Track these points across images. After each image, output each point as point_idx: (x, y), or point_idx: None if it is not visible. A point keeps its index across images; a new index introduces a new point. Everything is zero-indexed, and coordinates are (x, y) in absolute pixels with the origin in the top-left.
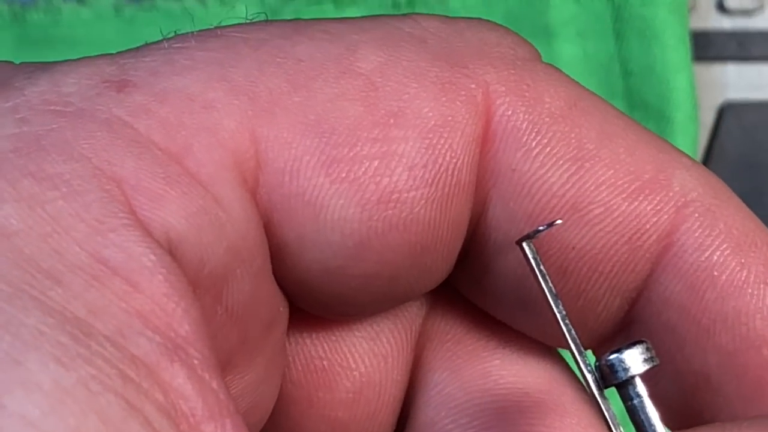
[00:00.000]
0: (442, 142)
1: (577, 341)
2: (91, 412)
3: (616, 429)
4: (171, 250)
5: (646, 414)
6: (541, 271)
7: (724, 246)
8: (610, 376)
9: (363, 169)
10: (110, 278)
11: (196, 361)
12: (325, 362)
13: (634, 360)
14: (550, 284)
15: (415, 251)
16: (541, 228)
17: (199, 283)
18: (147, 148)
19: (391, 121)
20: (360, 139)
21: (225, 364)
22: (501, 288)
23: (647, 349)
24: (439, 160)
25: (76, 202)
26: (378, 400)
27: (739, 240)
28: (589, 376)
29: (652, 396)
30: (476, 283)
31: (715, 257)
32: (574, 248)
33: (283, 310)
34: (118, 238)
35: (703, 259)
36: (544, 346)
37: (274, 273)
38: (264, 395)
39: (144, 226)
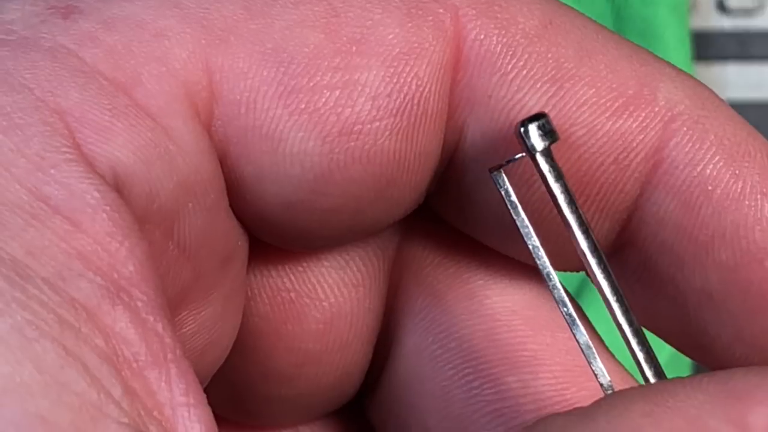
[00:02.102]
0: (407, 70)
1: (550, 271)
2: (26, 359)
3: (590, 357)
4: (117, 185)
5: (550, 188)
6: (511, 201)
7: (717, 158)
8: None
9: (323, 99)
10: (51, 217)
11: (140, 304)
12: (292, 294)
13: (534, 136)
14: (522, 214)
15: (380, 184)
16: (516, 157)
17: (149, 218)
18: (93, 79)
19: (354, 48)
20: (320, 69)
21: (178, 301)
22: (485, 214)
23: (545, 124)
24: (405, 89)
25: (17, 137)
26: (350, 330)
27: (731, 150)
28: (562, 308)
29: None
30: (460, 210)
31: (708, 171)
32: None
33: (241, 244)
34: (59, 174)
35: (695, 173)
36: (530, 265)
37: (233, 207)
38: (222, 332)
39: (88, 161)
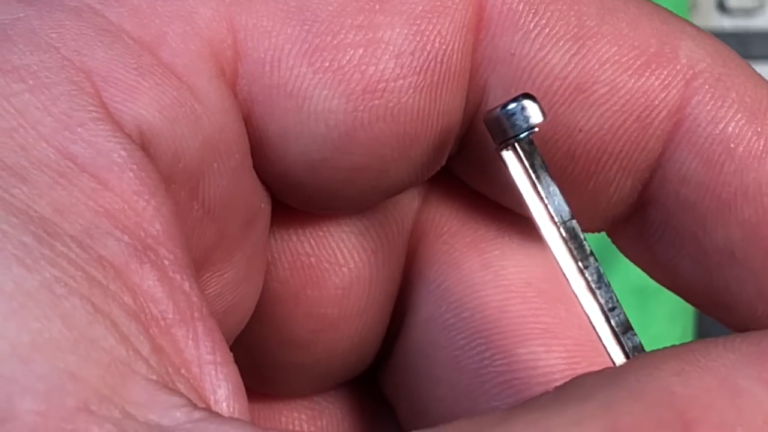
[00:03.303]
0: (430, 28)
1: (562, 251)
2: (55, 316)
3: (601, 333)
4: (143, 144)
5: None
6: (520, 179)
7: (739, 116)
8: (501, 134)
9: (347, 57)
10: (78, 175)
11: (167, 262)
12: (312, 258)
13: (532, 112)
14: (532, 192)
15: (404, 143)
16: (521, 135)
17: (174, 177)
18: (118, 38)
19: (377, 7)
20: (344, 27)
21: (202, 262)
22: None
23: (533, 103)
24: (428, 47)
25: (44, 95)
26: (368, 296)
27: (753, 108)
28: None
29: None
30: (482, 171)
31: (730, 128)
32: (581, 131)
33: (264, 206)
34: (86, 132)
35: (717, 131)
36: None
37: (257, 167)
38: (245, 294)
39: (115, 120)
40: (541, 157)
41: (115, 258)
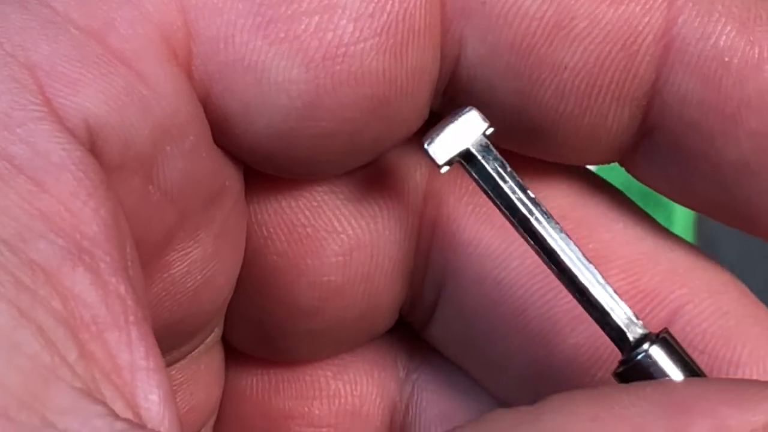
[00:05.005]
0: None
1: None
2: None
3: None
4: (91, 136)
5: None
6: (486, 186)
7: (728, 28)
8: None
9: (303, 26)
10: (14, 177)
11: (102, 265)
12: (308, 229)
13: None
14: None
15: (372, 105)
16: (471, 145)
17: (126, 164)
18: (64, 29)
19: None
20: None
21: (165, 243)
22: (502, 119)
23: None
24: (388, 8)
25: None
26: (372, 261)
27: (741, 17)
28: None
29: None
30: None
31: (722, 42)
32: (566, 68)
33: (228, 184)
34: (25, 133)
35: (709, 47)
36: (563, 167)
37: (223, 144)
38: (216, 271)
39: (58, 116)
40: (499, 155)
41: (47, 262)
